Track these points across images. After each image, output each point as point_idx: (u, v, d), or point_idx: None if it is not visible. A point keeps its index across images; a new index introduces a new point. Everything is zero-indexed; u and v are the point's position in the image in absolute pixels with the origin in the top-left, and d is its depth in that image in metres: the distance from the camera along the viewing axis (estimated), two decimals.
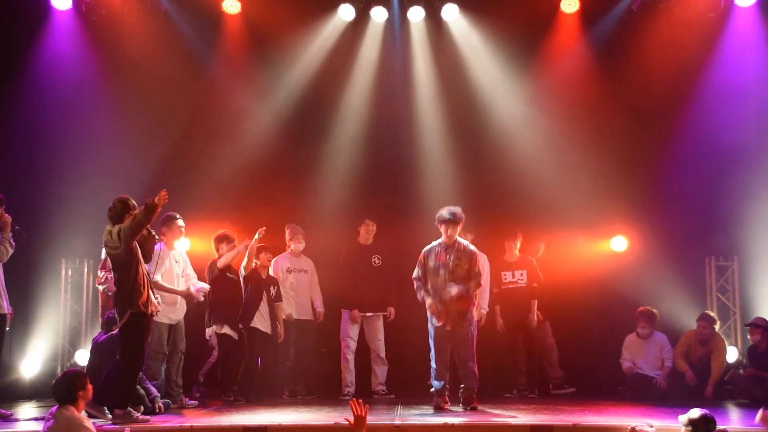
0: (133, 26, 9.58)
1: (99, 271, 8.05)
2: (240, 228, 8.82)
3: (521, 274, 9.03)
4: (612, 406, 7.89)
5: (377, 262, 8.95)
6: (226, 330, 8.22)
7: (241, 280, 8.40)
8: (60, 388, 5.65)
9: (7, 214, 7.25)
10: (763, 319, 8.93)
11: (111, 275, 7.80)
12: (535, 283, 9.03)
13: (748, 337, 9.01)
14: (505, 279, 9.07)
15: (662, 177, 9.75)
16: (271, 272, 8.73)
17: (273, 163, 9.82)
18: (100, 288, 8.00)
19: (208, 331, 8.34)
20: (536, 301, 9.00)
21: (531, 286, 9.00)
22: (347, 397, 8.59)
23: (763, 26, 9.65)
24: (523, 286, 9.01)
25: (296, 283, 8.87)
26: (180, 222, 8.08)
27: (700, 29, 9.62)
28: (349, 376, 8.78)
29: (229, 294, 8.27)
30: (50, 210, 9.14)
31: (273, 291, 8.57)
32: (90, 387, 5.74)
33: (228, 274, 8.29)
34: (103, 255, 7.97)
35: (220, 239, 8.42)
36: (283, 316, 8.66)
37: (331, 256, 9.19)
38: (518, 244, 9.10)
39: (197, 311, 8.35)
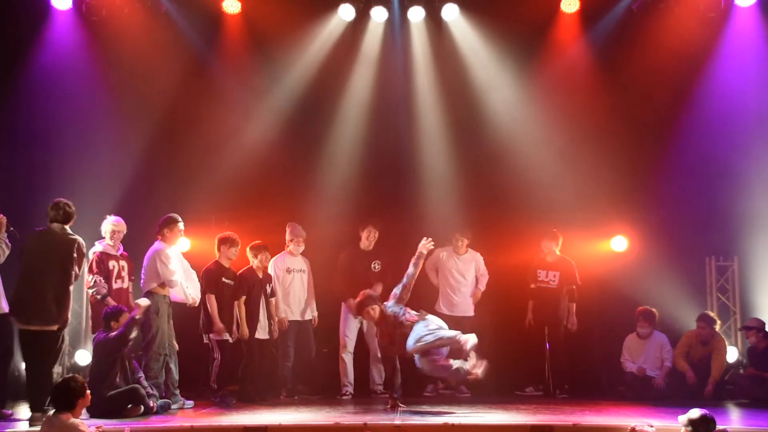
0: (133, 26, 9.57)
1: (87, 275, 7.95)
2: (239, 227, 8.81)
3: (554, 276, 9.08)
4: (612, 406, 7.89)
5: (377, 267, 8.95)
6: (224, 336, 8.14)
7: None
8: (58, 395, 5.64)
9: (1, 215, 7.20)
10: (756, 320, 8.99)
11: (99, 278, 7.83)
12: (573, 285, 9.06)
13: (748, 340, 9.05)
14: (539, 277, 9.13)
15: (662, 177, 9.75)
16: (270, 271, 8.73)
17: (273, 163, 9.82)
18: (90, 292, 7.90)
19: (206, 338, 8.23)
20: (574, 305, 9.05)
21: (568, 289, 9.04)
22: (346, 397, 8.60)
23: (763, 26, 9.64)
24: (553, 288, 9.06)
25: (295, 284, 8.84)
26: (181, 225, 8.04)
27: (700, 29, 9.61)
28: (347, 377, 8.79)
29: (227, 300, 8.19)
30: None
31: (269, 289, 8.57)
32: (88, 394, 5.74)
33: (224, 279, 8.21)
34: (90, 257, 7.98)
35: (223, 241, 8.29)
36: (278, 317, 8.64)
37: (331, 257, 9.19)
38: (557, 245, 9.13)
39: (193, 315, 8.27)
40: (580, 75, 9.87)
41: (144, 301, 7.44)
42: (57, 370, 7.13)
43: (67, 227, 7.08)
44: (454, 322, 8.77)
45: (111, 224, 8.02)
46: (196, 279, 8.17)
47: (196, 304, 8.09)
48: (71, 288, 7.03)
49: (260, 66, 10.04)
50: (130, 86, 9.62)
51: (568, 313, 9.07)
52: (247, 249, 8.54)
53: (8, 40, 9.33)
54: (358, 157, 9.93)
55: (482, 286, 9.15)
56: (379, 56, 10.04)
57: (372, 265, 8.93)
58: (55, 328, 6.90)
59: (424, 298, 9.11)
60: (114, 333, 7.24)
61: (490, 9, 9.81)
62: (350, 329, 8.86)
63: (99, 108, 9.63)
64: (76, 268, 7.04)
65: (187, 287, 8.00)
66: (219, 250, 8.31)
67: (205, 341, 8.26)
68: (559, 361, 9.02)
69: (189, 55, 9.81)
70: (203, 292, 8.14)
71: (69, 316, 7.05)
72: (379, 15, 9.84)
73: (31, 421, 6.70)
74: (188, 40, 9.79)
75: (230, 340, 8.20)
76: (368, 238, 8.96)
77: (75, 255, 6.98)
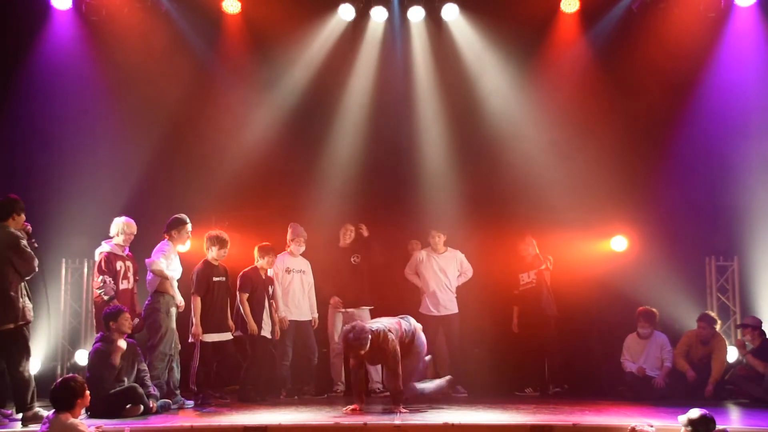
0: (133, 26, 9.57)
1: (96, 275, 7.90)
2: (239, 227, 8.81)
3: (534, 275, 9.13)
4: (612, 406, 7.89)
5: (356, 260, 9.07)
6: (213, 338, 7.99)
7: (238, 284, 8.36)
8: (57, 395, 5.65)
9: (27, 223, 6.96)
10: (753, 318, 9.00)
11: (109, 279, 7.80)
12: (543, 265, 9.07)
13: (743, 338, 9.03)
14: (522, 281, 9.18)
15: (662, 176, 9.75)
16: (270, 272, 8.73)
17: (272, 163, 9.82)
18: (98, 292, 7.83)
19: (192, 337, 8.09)
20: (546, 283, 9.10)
21: (539, 271, 9.06)
22: (337, 394, 8.70)
23: (763, 26, 9.65)
24: (534, 287, 9.11)
25: (295, 284, 8.84)
26: (189, 227, 7.98)
27: (700, 29, 9.62)
28: (337, 375, 8.88)
29: (216, 300, 8.03)
30: (50, 210, 9.12)
31: (271, 290, 8.56)
32: (87, 394, 5.74)
33: (215, 278, 8.06)
34: (97, 257, 7.95)
35: (212, 240, 8.09)
36: (279, 317, 8.63)
37: (331, 256, 9.20)
38: (532, 245, 9.15)
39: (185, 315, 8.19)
40: (580, 75, 9.88)
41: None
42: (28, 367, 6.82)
43: None
44: (440, 321, 8.89)
45: (123, 224, 7.97)
46: None
47: (182, 308, 7.98)
48: (20, 285, 6.69)
49: (260, 66, 10.04)
50: (130, 86, 9.61)
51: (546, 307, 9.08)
52: (255, 249, 8.49)
53: (8, 40, 9.32)
54: (358, 156, 9.93)
55: (458, 283, 9.19)
56: (379, 56, 10.05)
57: (351, 259, 9.08)
58: (11, 326, 6.64)
59: (408, 301, 9.14)
60: (110, 362, 7.24)
61: (490, 9, 9.82)
62: (336, 328, 8.94)
63: (99, 108, 9.63)
64: (21, 263, 6.67)
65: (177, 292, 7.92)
66: (208, 250, 8.11)
67: (190, 340, 8.14)
68: (554, 360, 9.05)
69: (189, 55, 9.81)
70: (191, 293, 7.98)
71: (23, 311, 6.68)
72: (379, 15, 9.84)
73: (23, 422, 6.66)
74: (188, 40, 9.79)
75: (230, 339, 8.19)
76: (345, 236, 9.14)
77: (13, 251, 6.64)
